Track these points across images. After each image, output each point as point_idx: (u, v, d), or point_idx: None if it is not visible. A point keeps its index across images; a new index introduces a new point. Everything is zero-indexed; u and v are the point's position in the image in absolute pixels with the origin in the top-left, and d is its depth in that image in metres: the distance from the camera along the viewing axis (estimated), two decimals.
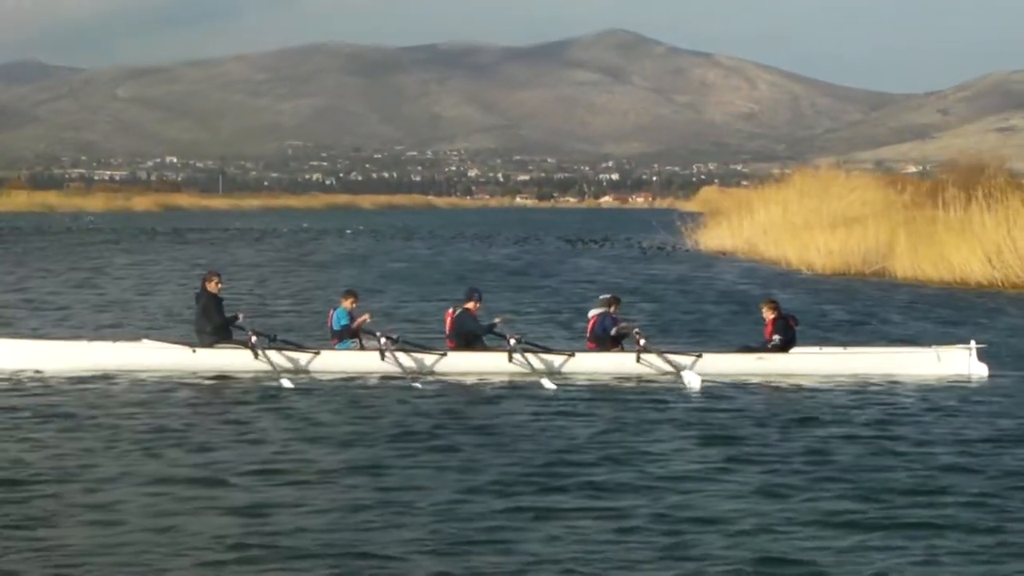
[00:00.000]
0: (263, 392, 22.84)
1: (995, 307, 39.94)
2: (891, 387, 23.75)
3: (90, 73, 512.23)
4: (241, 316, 26.05)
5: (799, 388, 23.77)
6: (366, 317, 25.80)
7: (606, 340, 25.47)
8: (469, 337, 25.39)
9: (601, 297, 26.64)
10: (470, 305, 25.58)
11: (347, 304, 25.78)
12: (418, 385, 23.41)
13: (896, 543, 13.41)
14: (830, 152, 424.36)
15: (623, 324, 25.77)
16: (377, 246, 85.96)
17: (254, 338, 25.18)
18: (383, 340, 25.14)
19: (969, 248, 45.54)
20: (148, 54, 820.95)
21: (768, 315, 25.69)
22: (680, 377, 24.25)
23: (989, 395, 23.10)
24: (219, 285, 25.95)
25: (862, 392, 23.25)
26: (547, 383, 23.51)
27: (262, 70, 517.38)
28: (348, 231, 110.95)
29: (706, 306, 41.02)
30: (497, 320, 26.07)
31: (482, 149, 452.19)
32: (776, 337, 25.37)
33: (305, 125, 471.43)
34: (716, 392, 23.16)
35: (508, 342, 25.07)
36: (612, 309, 25.74)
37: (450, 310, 25.85)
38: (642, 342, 25.15)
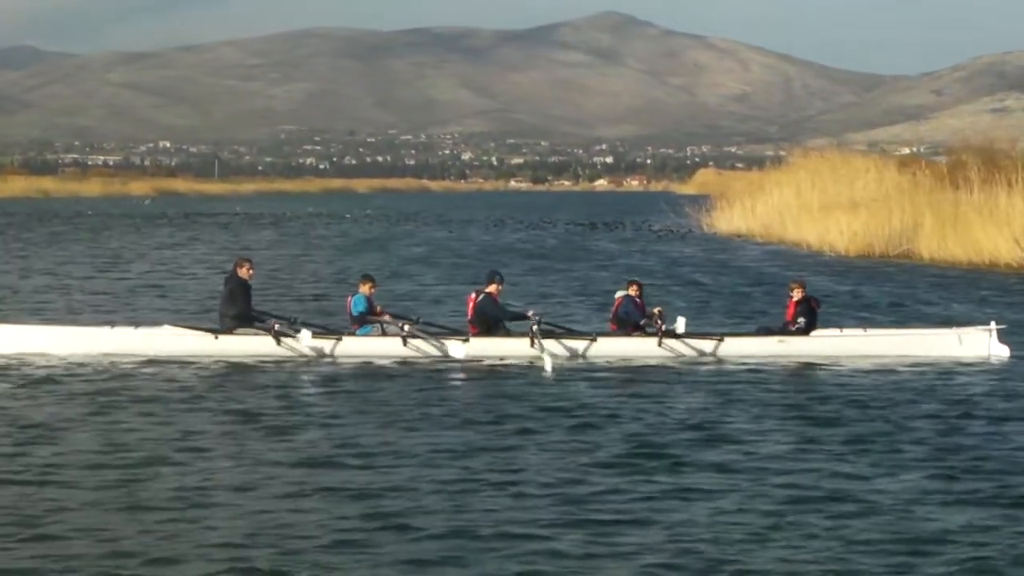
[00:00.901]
0: (323, 375, 23.14)
1: None
2: (914, 369, 23.94)
3: (83, 58, 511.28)
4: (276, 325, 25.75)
5: (823, 371, 24.00)
6: (387, 317, 25.88)
7: (629, 323, 25.66)
8: (491, 322, 25.44)
9: (627, 280, 26.92)
10: (492, 288, 25.56)
11: (365, 289, 25.70)
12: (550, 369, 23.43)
13: (986, 521, 13.67)
14: (823, 134, 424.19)
15: (652, 311, 25.91)
16: (394, 230, 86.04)
17: (276, 324, 25.23)
18: (405, 327, 25.23)
19: (998, 230, 45.71)
20: (141, 39, 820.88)
21: (796, 295, 25.86)
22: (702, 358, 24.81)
23: (1011, 375, 23.38)
24: (250, 272, 25.86)
25: (886, 374, 23.41)
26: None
27: (254, 55, 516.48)
28: (347, 215, 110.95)
29: (742, 288, 41.21)
30: (531, 313, 25.87)
31: (475, 133, 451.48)
32: (800, 320, 25.58)
33: (298, 109, 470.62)
34: (743, 375, 23.32)
35: (530, 327, 25.13)
36: (635, 292, 25.90)
37: (472, 294, 25.93)
38: (664, 327, 25.37)
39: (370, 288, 25.76)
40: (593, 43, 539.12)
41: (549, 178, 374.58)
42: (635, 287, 26.05)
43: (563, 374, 23.25)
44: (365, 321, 25.50)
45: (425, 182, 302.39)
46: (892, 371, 23.70)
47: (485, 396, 21.21)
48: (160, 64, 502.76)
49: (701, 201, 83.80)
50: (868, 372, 23.63)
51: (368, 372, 23.57)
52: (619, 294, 26.14)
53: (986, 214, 46.69)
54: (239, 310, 25.31)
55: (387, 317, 25.83)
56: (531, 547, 12.69)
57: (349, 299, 25.99)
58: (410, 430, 18.37)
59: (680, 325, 25.56)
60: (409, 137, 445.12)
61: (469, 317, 25.65)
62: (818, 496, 14.60)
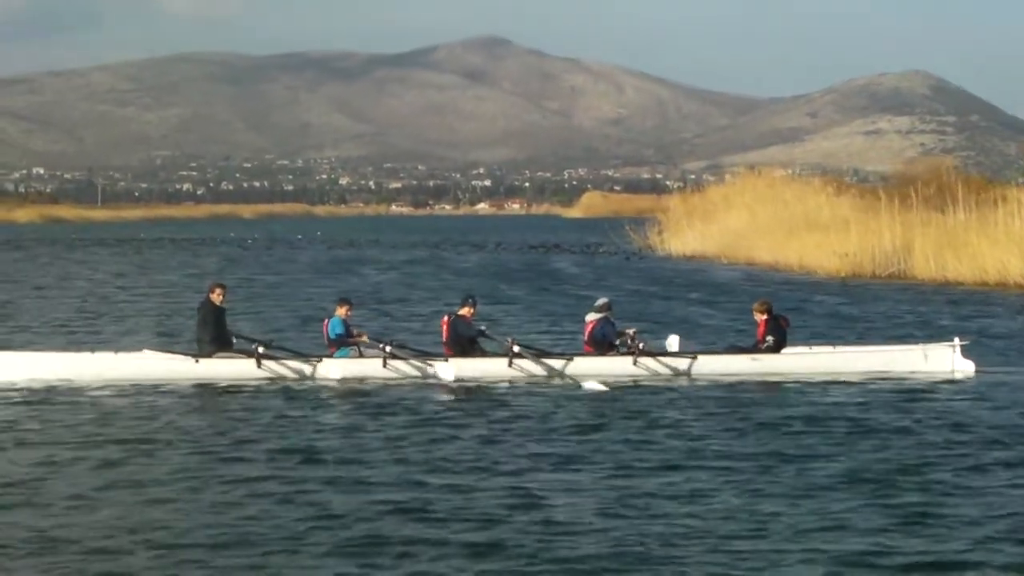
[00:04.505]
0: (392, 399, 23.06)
1: None
2: (880, 384, 24.43)
3: None
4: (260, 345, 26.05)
5: (793, 387, 24.32)
6: (364, 337, 26.09)
7: (603, 344, 25.95)
8: (463, 342, 25.70)
9: (598, 302, 26.90)
10: (465, 311, 25.95)
11: (341, 312, 26.01)
12: (591, 385, 23.79)
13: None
14: (699, 157, 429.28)
15: (623, 329, 26.35)
16: (340, 254, 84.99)
17: (261, 348, 25.28)
18: (387, 348, 25.44)
19: (1004, 249, 45.77)
20: (9, 64, 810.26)
21: (760, 316, 26.38)
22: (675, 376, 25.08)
23: (973, 389, 23.87)
24: (221, 296, 26.00)
25: (853, 390, 23.83)
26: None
27: (127, 79, 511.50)
28: (249, 241, 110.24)
29: (735, 309, 40.92)
30: (483, 327, 26.58)
31: (352, 157, 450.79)
32: (769, 338, 26.04)
33: (172, 135, 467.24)
34: (715, 393, 23.59)
35: (510, 347, 25.49)
36: (607, 314, 26.23)
37: (445, 317, 26.25)
38: (641, 345, 25.77)
39: (347, 311, 26.10)
40: (467, 66, 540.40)
41: (430, 202, 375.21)
42: (609, 309, 26.36)
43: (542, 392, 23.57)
44: (343, 344, 25.71)
45: (308, 207, 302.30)
46: (858, 386, 24.17)
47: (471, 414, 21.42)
48: (30, 89, 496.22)
49: (642, 224, 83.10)
50: (836, 387, 24.11)
51: (355, 394, 23.66)
52: (590, 317, 26.39)
53: (987, 234, 46.72)
54: (213, 335, 25.51)
55: (365, 339, 26.14)
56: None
57: (326, 322, 26.22)
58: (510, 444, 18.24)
59: (673, 343, 26.17)
60: (285, 162, 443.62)
61: (444, 339, 25.95)
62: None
